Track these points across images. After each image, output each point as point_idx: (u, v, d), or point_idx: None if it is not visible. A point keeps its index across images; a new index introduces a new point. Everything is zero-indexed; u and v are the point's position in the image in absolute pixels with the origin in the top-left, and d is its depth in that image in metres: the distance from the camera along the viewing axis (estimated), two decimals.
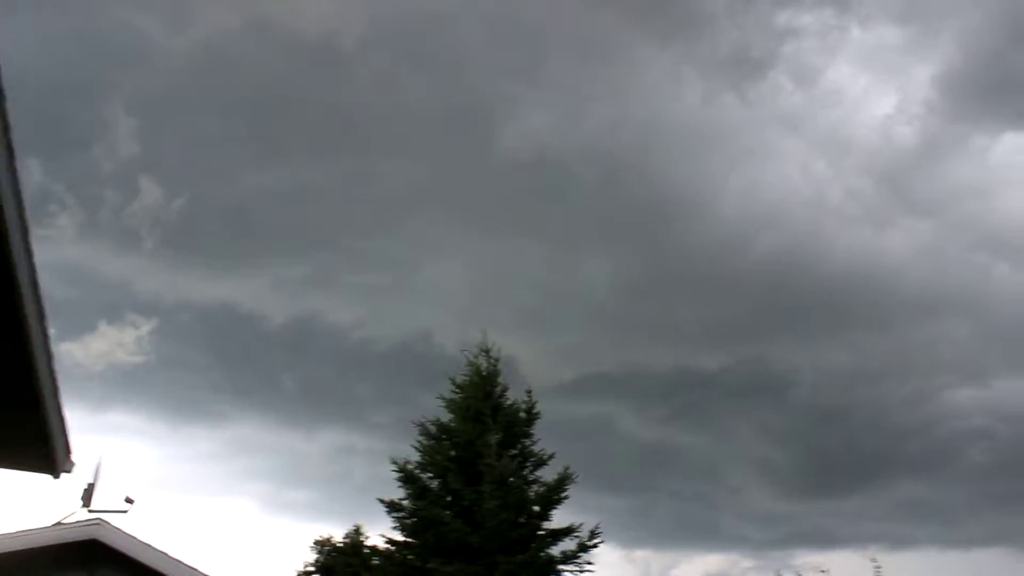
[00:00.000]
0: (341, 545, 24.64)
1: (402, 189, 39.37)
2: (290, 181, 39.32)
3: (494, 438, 18.25)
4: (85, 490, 13.28)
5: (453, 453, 18.56)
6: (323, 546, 25.11)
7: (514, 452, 18.65)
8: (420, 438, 18.85)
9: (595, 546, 18.16)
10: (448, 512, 18.00)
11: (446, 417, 19.01)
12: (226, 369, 41.24)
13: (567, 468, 18.75)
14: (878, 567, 16.97)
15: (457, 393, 19.15)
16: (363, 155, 39.47)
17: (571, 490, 18.55)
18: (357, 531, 24.61)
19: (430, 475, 18.50)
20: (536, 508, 18.44)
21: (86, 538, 12.18)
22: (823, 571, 17.05)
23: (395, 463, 18.54)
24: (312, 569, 24.80)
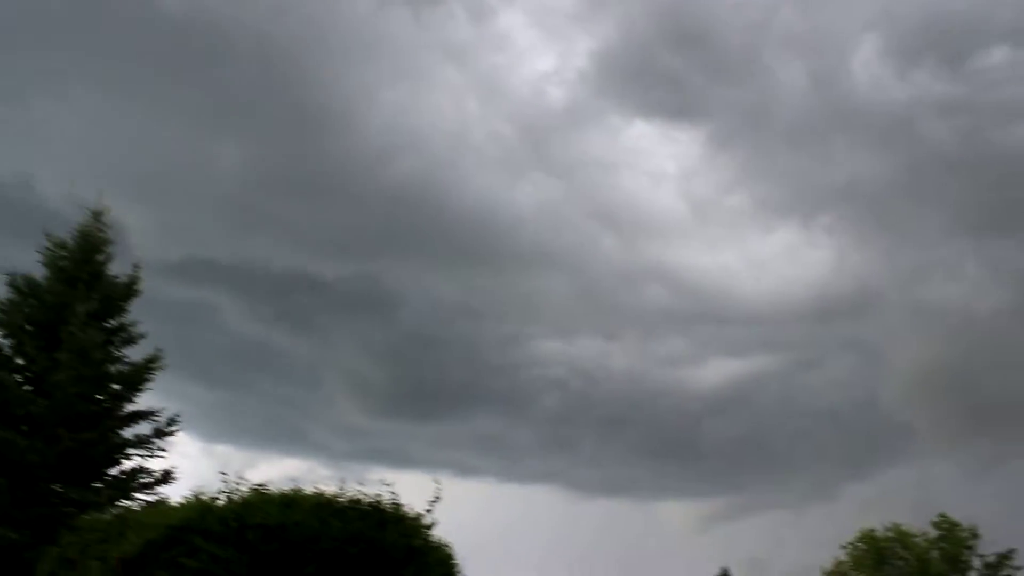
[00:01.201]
0: None
1: (30, 16, 34.31)
2: None
3: (85, 307, 17.02)
4: None
5: (36, 315, 16.99)
6: None
7: (105, 325, 17.57)
8: (10, 294, 16.96)
9: (171, 434, 17.88)
10: (16, 376, 16.56)
11: (41, 274, 17.30)
12: None
13: (157, 351, 18.12)
14: (439, 489, 18.60)
15: (54, 252, 17.48)
16: None
17: (161, 376, 17.99)
18: None
19: (4, 333, 16.79)
20: (117, 387, 17.63)
21: None
22: (387, 483, 18.27)
23: None
24: None
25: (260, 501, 8.85)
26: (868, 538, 42.68)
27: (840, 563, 42.62)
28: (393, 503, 9.48)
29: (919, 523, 42.63)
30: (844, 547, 42.81)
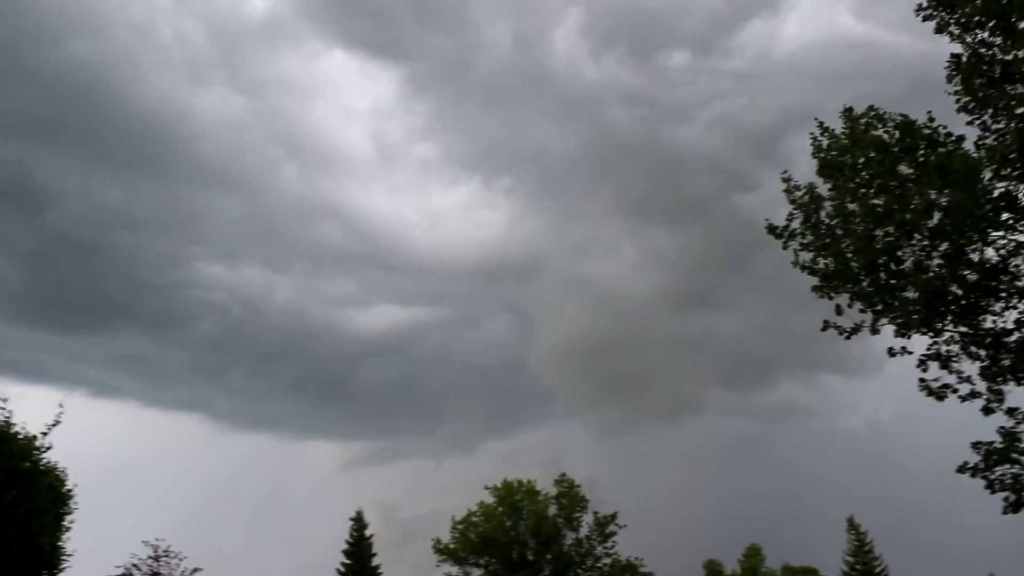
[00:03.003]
0: None
1: None
2: None
3: None
4: None
5: None
6: None
7: None
8: None
9: None
10: None
11: None
12: None
13: None
14: (62, 411, 17.87)
15: None
16: None
17: None
18: None
19: None
20: None
21: None
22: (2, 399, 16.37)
23: None
24: None
25: None
26: (498, 490, 47.24)
27: (471, 512, 46.77)
28: (3, 421, 9.63)
29: (546, 481, 47.93)
30: (480, 496, 47.03)
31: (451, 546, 45.53)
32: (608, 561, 46.12)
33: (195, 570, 33.94)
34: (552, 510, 46.85)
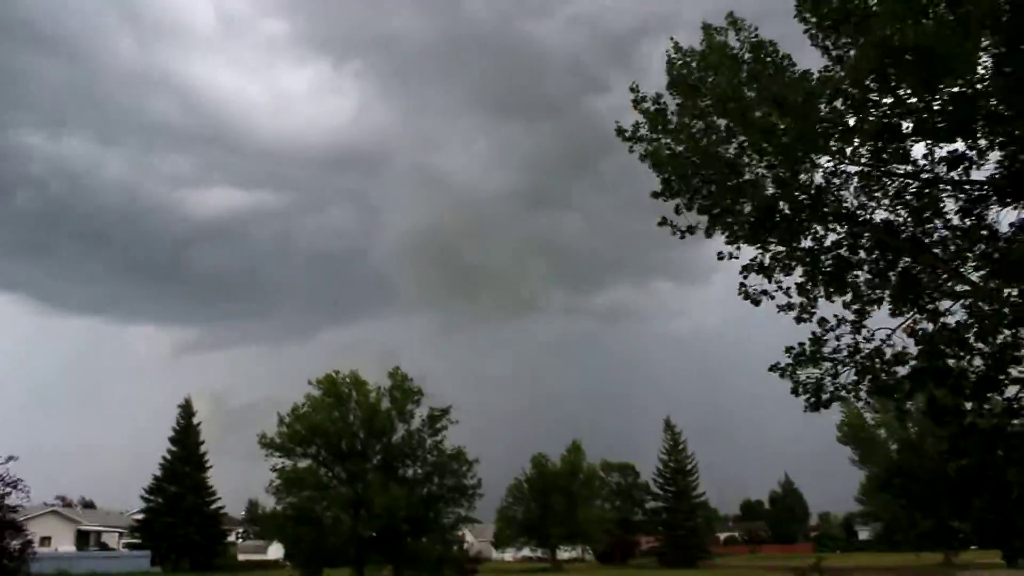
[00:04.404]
0: None
1: None
2: None
3: None
4: None
5: None
6: None
7: None
8: None
9: None
10: None
11: None
12: None
13: None
14: None
15: None
16: None
17: None
18: None
19: None
20: None
21: None
22: None
23: None
24: None
25: None
26: (329, 381, 47.46)
27: (297, 406, 46.87)
28: None
29: (383, 373, 48.44)
30: (310, 386, 47.06)
31: (276, 440, 45.64)
32: (437, 452, 47.60)
33: (9, 458, 32.66)
34: (386, 403, 47.62)
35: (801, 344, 12.03)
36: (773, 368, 11.98)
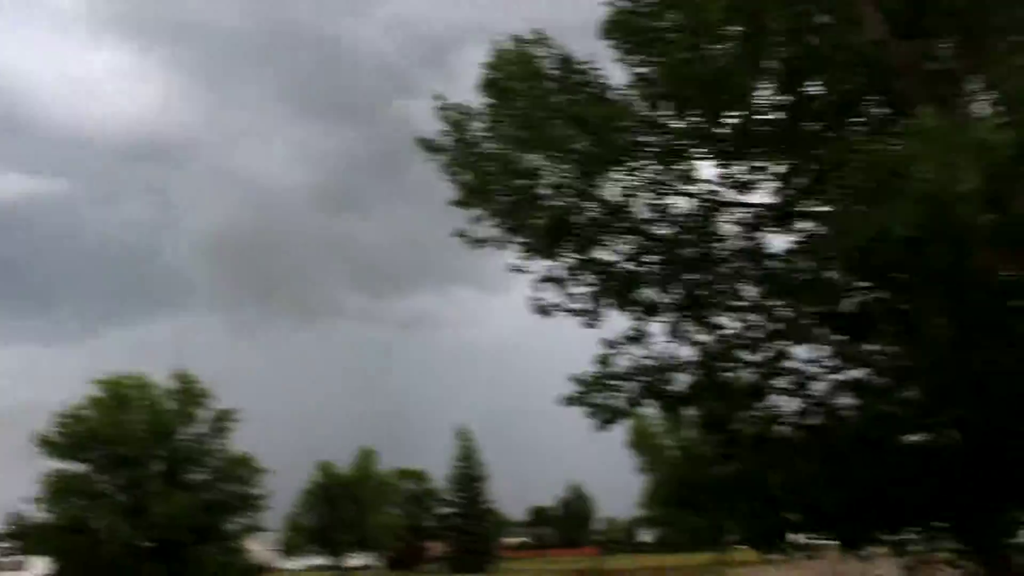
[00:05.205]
0: None
1: None
2: None
3: None
4: None
5: None
6: None
7: None
8: None
9: None
10: None
11: None
12: None
13: None
14: None
15: None
16: None
17: None
18: None
19: None
20: None
21: None
22: None
23: None
24: None
25: None
26: (112, 382, 44.42)
27: (77, 406, 43.54)
28: None
29: (170, 375, 45.90)
30: (91, 387, 43.88)
31: (52, 440, 42.34)
32: (222, 458, 45.81)
33: None
34: (171, 406, 45.21)
35: (588, 370, 12.41)
36: (565, 400, 12.29)
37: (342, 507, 77.83)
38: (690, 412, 13.55)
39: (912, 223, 7.93)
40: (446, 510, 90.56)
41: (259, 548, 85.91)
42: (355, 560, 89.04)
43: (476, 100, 12.51)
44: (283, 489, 72.83)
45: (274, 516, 73.26)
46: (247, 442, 46.79)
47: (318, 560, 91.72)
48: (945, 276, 9.06)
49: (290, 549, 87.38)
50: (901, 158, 8.13)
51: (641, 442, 68.68)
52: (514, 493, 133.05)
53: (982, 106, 10.56)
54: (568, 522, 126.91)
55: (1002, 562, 11.59)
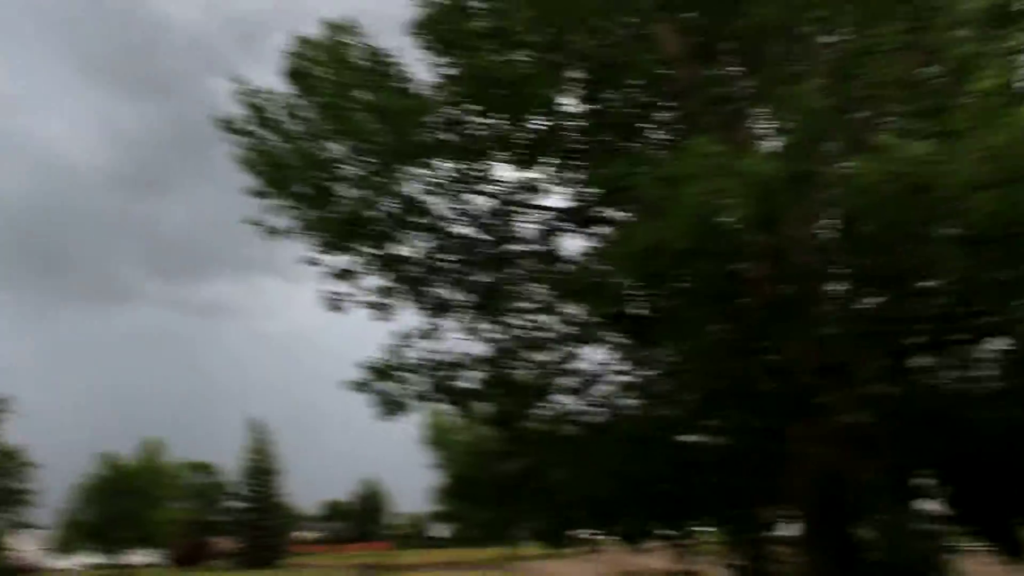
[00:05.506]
0: None
1: None
2: None
3: None
4: None
5: None
6: None
7: None
8: None
9: None
10: None
11: None
12: None
13: None
14: None
15: None
16: None
17: None
18: None
19: None
20: None
21: None
22: None
23: None
24: None
25: None
26: None
27: None
28: None
29: None
30: None
31: None
32: None
33: None
34: None
35: (378, 358, 12.34)
36: (349, 385, 12.16)
37: (123, 501, 73.29)
38: (480, 408, 13.74)
39: (682, 237, 8.45)
40: (237, 504, 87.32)
41: (28, 546, 79.51)
42: (136, 557, 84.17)
43: (281, 86, 12.13)
44: (65, 483, 67.87)
45: (49, 512, 68.06)
46: (26, 433, 43.63)
47: (95, 558, 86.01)
48: (714, 288, 9.69)
49: (64, 546, 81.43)
50: (678, 177, 8.62)
51: (435, 437, 69.13)
52: (310, 487, 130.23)
53: (765, 131, 11.37)
54: (363, 516, 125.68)
55: (761, 552, 12.54)
